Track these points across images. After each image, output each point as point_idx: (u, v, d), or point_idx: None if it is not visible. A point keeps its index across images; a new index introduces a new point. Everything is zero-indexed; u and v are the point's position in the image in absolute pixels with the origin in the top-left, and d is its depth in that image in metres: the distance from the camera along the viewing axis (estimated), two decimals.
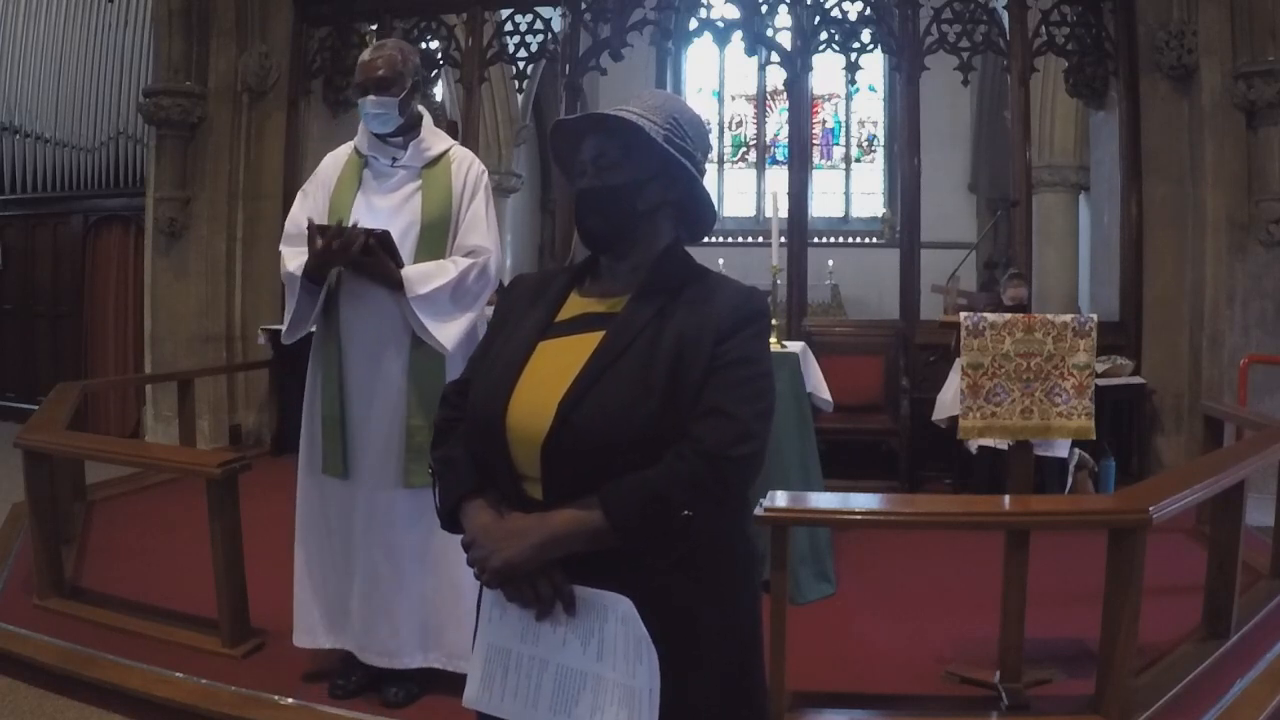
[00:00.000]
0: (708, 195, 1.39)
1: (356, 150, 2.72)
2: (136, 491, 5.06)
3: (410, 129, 2.68)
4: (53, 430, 3.72)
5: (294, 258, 2.60)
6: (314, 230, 2.52)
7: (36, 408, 4.41)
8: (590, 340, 1.28)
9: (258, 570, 3.07)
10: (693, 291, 1.31)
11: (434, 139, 2.72)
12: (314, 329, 2.71)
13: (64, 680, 2.91)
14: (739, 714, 1.30)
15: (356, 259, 2.49)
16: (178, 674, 2.83)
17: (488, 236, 2.68)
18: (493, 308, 1.54)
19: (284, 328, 2.69)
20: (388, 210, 2.63)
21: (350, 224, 2.54)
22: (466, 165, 2.71)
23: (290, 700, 2.68)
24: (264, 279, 6.43)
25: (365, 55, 2.65)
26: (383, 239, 2.49)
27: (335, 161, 2.75)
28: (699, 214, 1.40)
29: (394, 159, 2.67)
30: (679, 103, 1.38)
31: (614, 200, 1.32)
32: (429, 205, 2.64)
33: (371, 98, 2.58)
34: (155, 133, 6.36)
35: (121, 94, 7.33)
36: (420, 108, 2.73)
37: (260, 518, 3.17)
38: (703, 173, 1.38)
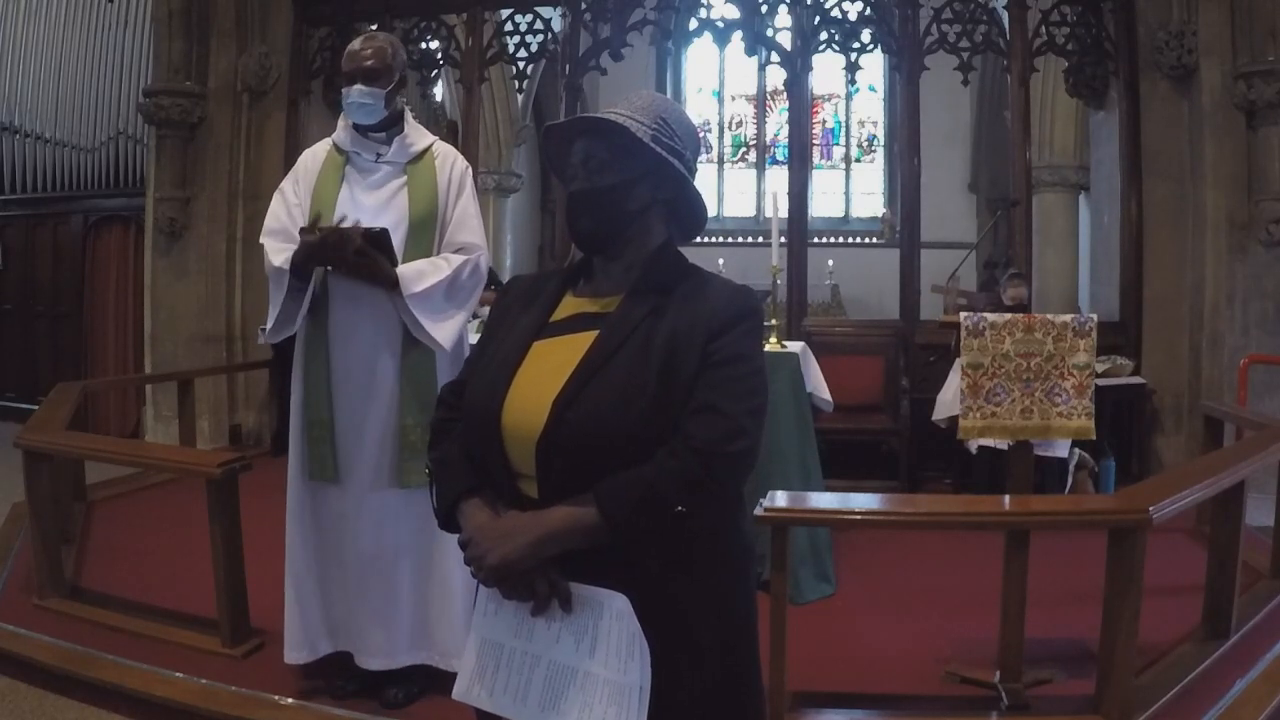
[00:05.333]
0: (699, 194, 1.40)
1: (336, 146, 2.68)
2: (136, 491, 5.06)
3: (393, 124, 2.66)
4: (53, 430, 3.72)
5: (279, 252, 2.57)
6: (314, 224, 2.50)
7: (36, 408, 4.41)
8: (584, 339, 1.29)
9: (258, 570, 3.07)
10: (685, 290, 1.32)
11: (417, 135, 2.70)
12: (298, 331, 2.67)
13: (64, 680, 2.91)
14: (733, 711, 1.31)
15: (352, 260, 2.47)
16: (178, 674, 2.83)
17: (477, 233, 2.67)
18: (485, 307, 1.54)
19: (268, 326, 2.66)
20: (373, 207, 2.61)
21: (338, 220, 2.52)
22: (451, 161, 2.69)
23: (290, 700, 2.68)
24: (264, 279, 6.39)
25: (354, 45, 2.63)
26: (378, 237, 2.47)
27: (314, 158, 2.71)
28: (691, 213, 1.41)
29: (378, 155, 2.64)
30: (667, 103, 1.39)
31: (604, 201, 1.33)
32: (416, 202, 2.62)
33: (359, 87, 2.56)
34: (155, 133, 6.36)
35: (121, 94, 7.33)
36: (403, 103, 2.71)
37: (260, 518, 3.16)
38: (693, 172, 1.39)
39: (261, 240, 2.67)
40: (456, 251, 2.63)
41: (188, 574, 3.49)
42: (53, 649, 3.02)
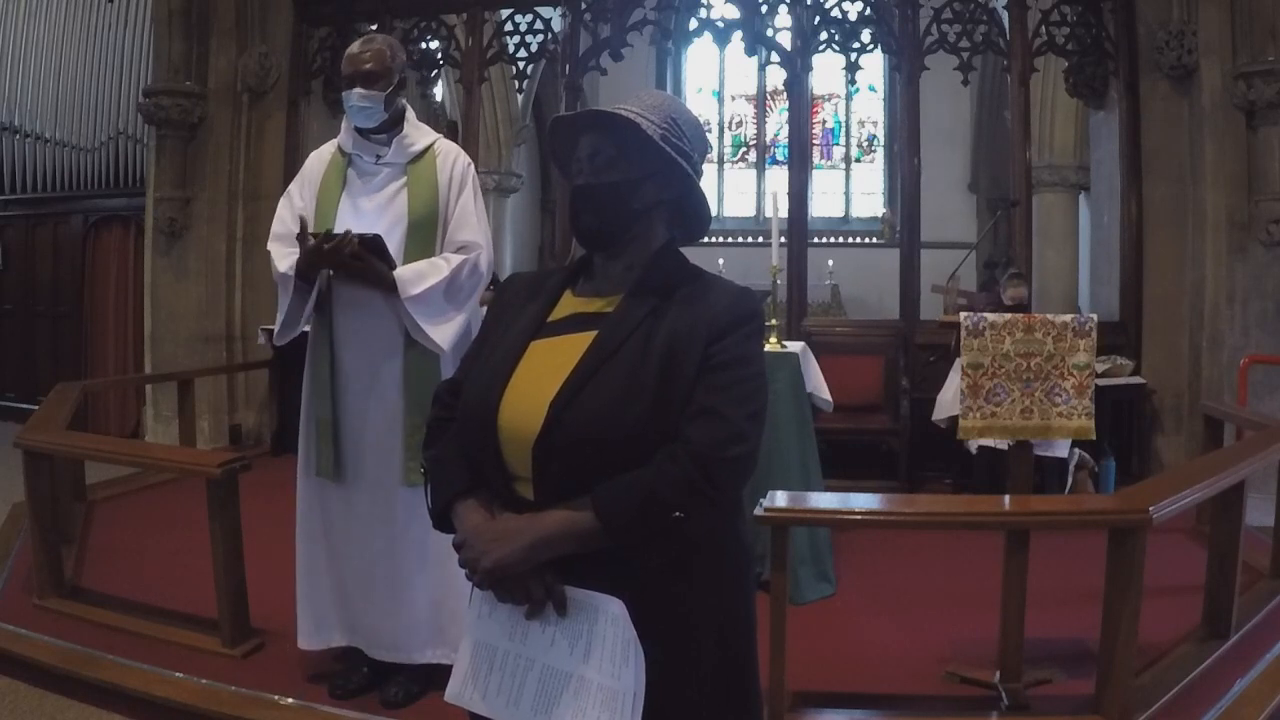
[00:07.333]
0: (704, 196, 1.39)
1: (340, 149, 2.70)
2: (136, 491, 5.06)
3: (394, 125, 2.66)
4: (53, 430, 3.72)
5: (284, 257, 2.60)
6: (304, 230, 2.52)
7: (36, 408, 4.41)
8: (583, 340, 1.27)
9: (258, 570, 3.07)
10: (686, 292, 1.30)
11: (418, 134, 2.70)
12: (307, 330, 2.70)
13: (64, 680, 2.91)
14: (733, 711, 1.30)
15: (345, 263, 2.49)
16: (178, 674, 2.83)
17: (478, 231, 2.67)
18: (486, 306, 1.53)
19: (275, 328, 2.69)
20: (373, 210, 2.61)
21: (335, 227, 2.53)
22: (452, 159, 2.69)
23: (290, 700, 2.69)
24: (264, 279, 6.42)
25: (354, 48, 2.63)
26: (373, 243, 2.48)
27: (319, 162, 2.73)
28: (695, 215, 1.40)
29: (378, 156, 2.65)
30: (677, 103, 1.38)
31: (609, 198, 1.32)
32: (415, 202, 2.63)
33: (358, 90, 2.57)
34: (155, 133, 6.36)
35: (121, 94, 7.33)
36: (404, 102, 2.71)
37: (260, 518, 3.17)
38: (699, 174, 1.38)
39: (269, 245, 2.69)
40: (457, 250, 2.64)
41: (188, 574, 3.48)
42: (53, 649, 3.02)
